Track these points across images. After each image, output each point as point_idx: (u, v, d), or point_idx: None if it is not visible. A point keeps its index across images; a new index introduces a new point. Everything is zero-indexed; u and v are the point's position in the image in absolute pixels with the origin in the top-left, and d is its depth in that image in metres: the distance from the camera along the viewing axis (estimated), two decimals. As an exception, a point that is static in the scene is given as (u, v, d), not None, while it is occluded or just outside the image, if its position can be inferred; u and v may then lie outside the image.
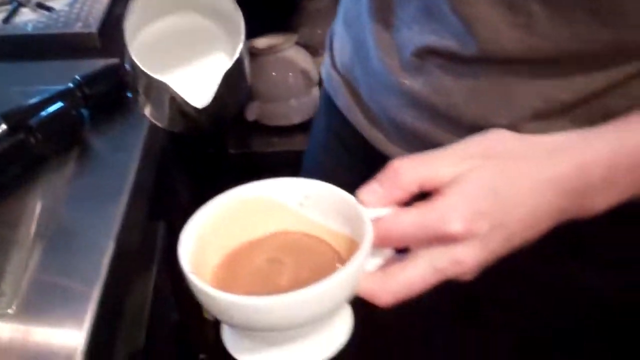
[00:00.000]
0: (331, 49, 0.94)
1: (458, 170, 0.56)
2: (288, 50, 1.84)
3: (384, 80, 0.78)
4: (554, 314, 0.83)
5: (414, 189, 0.57)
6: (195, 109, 0.63)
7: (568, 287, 0.80)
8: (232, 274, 0.59)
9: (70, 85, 1.01)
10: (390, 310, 0.56)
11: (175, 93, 0.63)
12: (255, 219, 0.62)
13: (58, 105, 0.96)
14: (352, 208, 0.58)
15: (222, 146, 1.88)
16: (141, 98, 0.69)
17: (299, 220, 0.62)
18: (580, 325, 0.83)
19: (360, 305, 0.58)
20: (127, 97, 1.04)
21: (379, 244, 0.56)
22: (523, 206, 0.56)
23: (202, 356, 1.45)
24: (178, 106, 0.65)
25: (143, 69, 0.63)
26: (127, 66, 0.67)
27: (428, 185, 0.56)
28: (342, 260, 0.58)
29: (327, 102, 0.94)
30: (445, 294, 0.59)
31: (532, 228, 0.57)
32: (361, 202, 0.57)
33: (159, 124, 0.70)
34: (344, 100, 0.89)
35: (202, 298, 0.54)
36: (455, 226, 0.54)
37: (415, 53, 0.73)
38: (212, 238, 0.60)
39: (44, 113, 0.95)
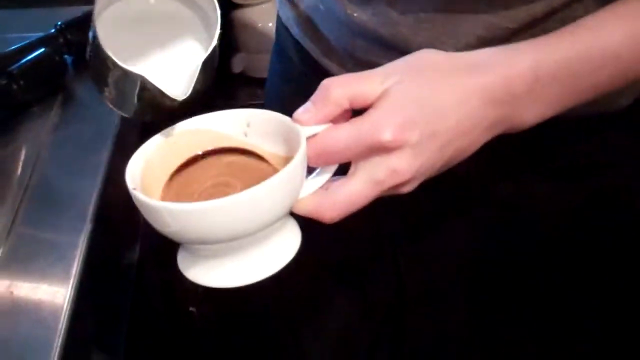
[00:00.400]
0: None
1: (385, 85, 0.58)
2: (273, 1, 1.80)
3: (334, 11, 0.78)
4: (517, 229, 0.85)
5: (345, 104, 0.59)
6: (171, 99, 0.60)
7: (529, 202, 0.83)
8: (181, 197, 0.62)
9: (52, 31, 0.98)
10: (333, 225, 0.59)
11: (152, 85, 0.59)
12: (201, 149, 0.65)
13: (40, 51, 0.94)
14: (289, 128, 0.60)
15: (208, 99, 1.85)
16: (108, 89, 0.63)
17: (243, 148, 0.65)
18: (542, 242, 0.86)
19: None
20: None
21: (317, 159, 0.59)
22: (451, 114, 0.58)
23: (191, 309, 1.44)
24: (150, 97, 0.60)
25: (115, 60, 0.58)
26: (89, 49, 0.61)
27: (358, 101, 0.59)
28: None
29: (283, 31, 0.94)
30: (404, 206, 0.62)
31: (464, 136, 0.59)
32: (297, 121, 0.60)
33: (123, 114, 0.64)
34: (298, 30, 0.89)
35: (147, 213, 0.56)
36: (386, 135, 0.56)
37: None
38: (159, 167, 0.62)
39: (26, 59, 0.92)
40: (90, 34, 0.59)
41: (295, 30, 0.90)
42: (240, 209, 0.54)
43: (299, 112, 0.60)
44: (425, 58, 0.61)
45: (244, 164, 0.64)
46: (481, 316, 0.94)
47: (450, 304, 0.96)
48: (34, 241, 0.77)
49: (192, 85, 0.60)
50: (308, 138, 0.59)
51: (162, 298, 1.27)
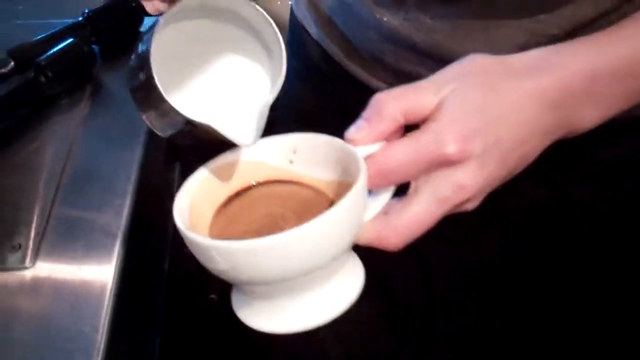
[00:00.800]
0: None
1: (440, 95, 0.55)
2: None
3: (360, 14, 0.75)
4: (553, 235, 0.82)
5: (400, 119, 0.56)
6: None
7: (566, 207, 0.80)
8: (230, 231, 0.58)
9: (80, 19, 0.95)
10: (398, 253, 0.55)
11: (218, 132, 0.55)
12: (247, 180, 0.61)
13: (68, 41, 0.91)
14: (341, 150, 0.56)
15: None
16: (155, 118, 0.58)
17: (291, 177, 0.61)
18: (579, 248, 0.83)
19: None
20: (139, 31, 0.98)
21: (376, 181, 0.55)
22: (511, 121, 0.55)
23: (212, 296, 1.42)
24: (205, 134, 0.56)
25: (178, 109, 0.53)
26: (139, 77, 0.56)
27: (413, 114, 0.56)
28: None
29: (300, 29, 0.90)
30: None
31: (525, 144, 0.56)
32: (350, 141, 0.56)
33: (160, 134, 0.60)
34: (317, 30, 0.85)
35: (196, 251, 0.53)
36: (450, 147, 0.53)
37: None
38: (204, 202, 0.59)
39: (53, 49, 0.89)
40: (142, 73, 0.54)
41: (313, 31, 0.86)
42: (300, 245, 0.50)
43: (351, 131, 0.56)
44: (476, 63, 0.58)
45: (295, 195, 0.60)
46: (514, 326, 0.91)
47: (480, 313, 0.93)
48: (69, 238, 0.75)
49: (261, 129, 0.57)
50: (365, 159, 0.55)
51: (187, 286, 1.25)
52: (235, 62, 0.61)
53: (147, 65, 0.52)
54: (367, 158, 0.55)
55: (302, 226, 0.49)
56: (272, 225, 0.57)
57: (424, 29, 0.69)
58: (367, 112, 0.56)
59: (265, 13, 0.57)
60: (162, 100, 0.53)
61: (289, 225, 0.55)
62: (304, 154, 0.60)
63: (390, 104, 0.55)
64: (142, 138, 0.87)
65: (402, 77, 0.74)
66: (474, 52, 0.65)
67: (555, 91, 0.56)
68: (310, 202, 0.59)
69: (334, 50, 0.83)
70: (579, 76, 0.56)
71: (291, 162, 0.61)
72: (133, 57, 0.57)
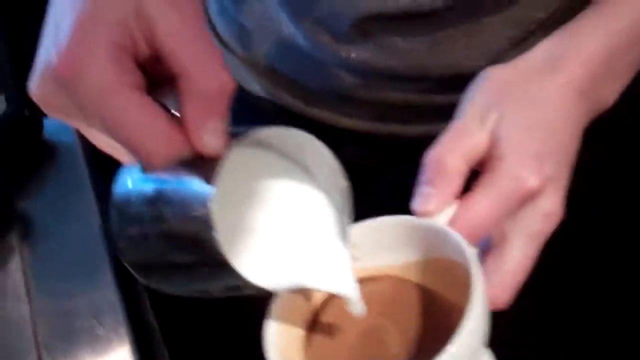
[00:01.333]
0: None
1: (486, 128, 0.54)
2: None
3: (316, 57, 0.72)
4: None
5: (464, 170, 0.53)
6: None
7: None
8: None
9: None
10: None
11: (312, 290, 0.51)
12: (320, 298, 0.55)
13: None
14: (417, 229, 0.52)
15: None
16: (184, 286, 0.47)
17: (365, 274, 0.54)
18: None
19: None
20: (44, 139, 0.81)
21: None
22: (560, 124, 0.55)
23: None
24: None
25: (263, 285, 0.44)
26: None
27: (472, 159, 0.54)
28: (435, 293, 0.52)
29: None
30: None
31: (576, 137, 0.56)
32: (422, 214, 0.51)
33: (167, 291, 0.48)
34: (259, 85, 0.80)
35: None
36: (531, 181, 0.51)
37: (355, 24, 0.68)
38: (289, 338, 0.52)
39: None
40: (189, 251, 0.42)
41: (255, 87, 0.79)
42: None
43: (419, 204, 0.52)
44: (497, 79, 0.56)
45: (379, 294, 0.53)
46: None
47: None
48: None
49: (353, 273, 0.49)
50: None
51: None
52: (279, 195, 0.50)
53: (205, 244, 0.40)
54: (450, 224, 0.51)
55: (445, 352, 0.43)
56: (377, 346, 0.51)
57: (399, 54, 0.68)
58: (428, 175, 0.53)
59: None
60: (230, 276, 0.42)
61: (395, 339, 0.51)
62: (367, 245, 0.54)
63: (451, 158, 0.53)
64: (108, 271, 0.71)
65: (377, 107, 0.73)
66: (463, 60, 0.67)
67: (582, 80, 0.56)
68: (400, 298, 0.54)
69: (289, 101, 0.78)
70: (598, 55, 0.57)
71: (355, 258, 0.52)
72: (136, 221, 0.44)
